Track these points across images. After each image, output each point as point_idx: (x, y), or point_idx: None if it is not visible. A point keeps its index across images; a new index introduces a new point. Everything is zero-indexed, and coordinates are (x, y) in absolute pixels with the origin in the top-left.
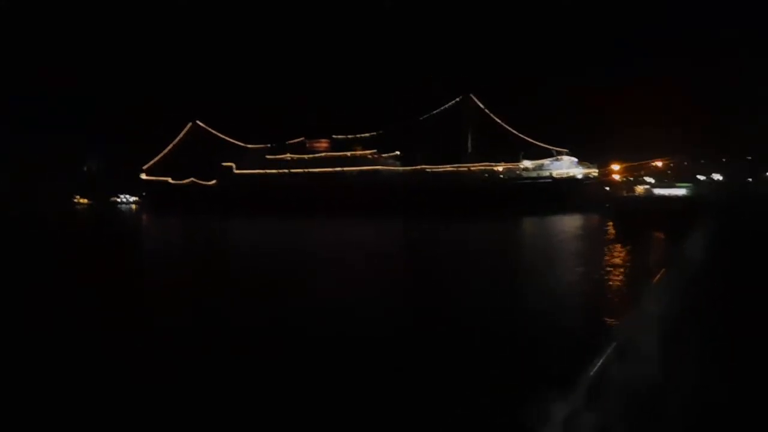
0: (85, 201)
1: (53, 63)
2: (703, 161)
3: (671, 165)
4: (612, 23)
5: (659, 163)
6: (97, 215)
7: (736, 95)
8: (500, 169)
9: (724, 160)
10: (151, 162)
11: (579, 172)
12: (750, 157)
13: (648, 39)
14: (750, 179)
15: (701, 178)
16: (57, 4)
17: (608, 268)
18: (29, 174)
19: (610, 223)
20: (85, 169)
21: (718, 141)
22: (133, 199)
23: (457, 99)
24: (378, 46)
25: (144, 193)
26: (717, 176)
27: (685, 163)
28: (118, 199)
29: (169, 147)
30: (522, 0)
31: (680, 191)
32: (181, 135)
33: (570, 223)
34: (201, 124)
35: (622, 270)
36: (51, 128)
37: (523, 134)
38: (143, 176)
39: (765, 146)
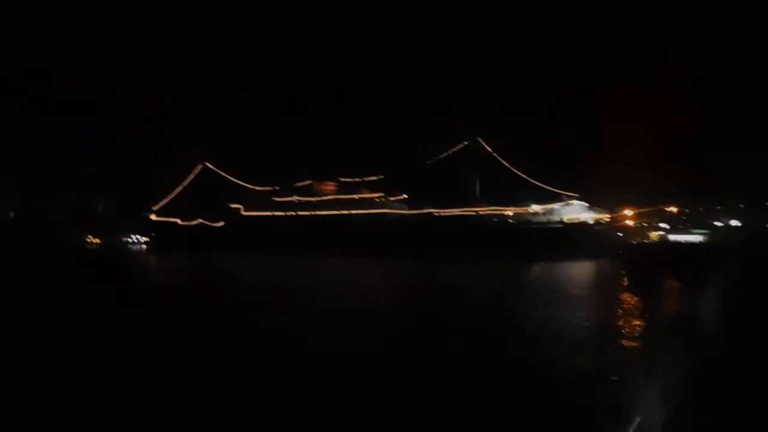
0: (97, 240)
1: (66, 104)
2: (719, 207)
3: (686, 211)
4: (600, 56)
5: (674, 209)
6: (107, 254)
7: (753, 140)
8: (510, 213)
9: (741, 206)
10: (161, 203)
11: (590, 217)
12: None
13: (640, 69)
14: None
15: (718, 224)
16: (65, 45)
17: (616, 327)
18: (41, 213)
19: (622, 272)
20: (99, 208)
21: (734, 187)
22: (143, 239)
23: (465, 143)
24: (385, 89)
25: (153, 234)
26: (734, 222)
27: (701, 209)
28: (129, 240)
29: (179, 188)
30: (527, 36)
31: (696, 238)
32: (190, 177)
33: (579, 271)
34: (210, 166)
35: (629, 330)
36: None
37: (532, 178)
38: (153, 217)
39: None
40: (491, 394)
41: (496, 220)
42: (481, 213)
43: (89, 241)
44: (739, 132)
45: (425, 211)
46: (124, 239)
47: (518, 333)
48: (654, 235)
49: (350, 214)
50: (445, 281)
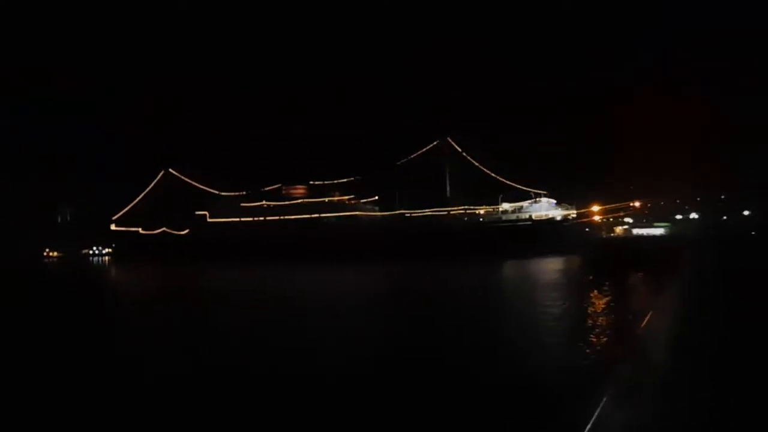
0: (55, 254)
1: (24, 110)
2: (678, 201)
3: (649, 205)
4: (600, 56)
5: (638, 204)
6: (66, 269)
7: (714, 134)
8: (481, 212)
9: (698, 199)
10: (122, 212)
11: (558, 213)
12: (723, 196)
13: (640, 68)
14: (725, 217)
15: (679, 217)
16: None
17: (589, 314)
18: None
19: (590, 265)
20: (58, 219)
21: (694, 180)
22: (106, 250)
23: (435, 142)
24: (353, 90)
25: (114, 245)
26: (694, 215)
27: (662, 203)
28: (90, 252)
29: (141, 196)
30: (497, 38)
31: (658, 231)
32: (152, 184)
33: (549, 266)
34: (174, 172)
35: (601, 316)
36: (19, 178)
37: (501, 177)
38: (113, 227)
39: (740, 184)
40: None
41: (466, 219)
42: (452, 212)
43: (47, 254)
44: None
45: (397, 212)
46: (85, 251)
47: (496, 340)
48: (619, 229)
49: (321, 217)
50: (419, 286)
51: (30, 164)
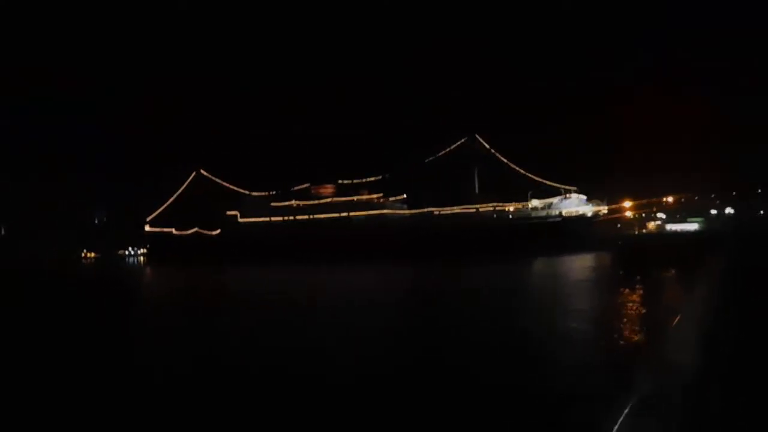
0: (92, 255)
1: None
2: (713, 195)
3: (683, 200)
4: (621, 59)
5: (671, 199)
6: (104, 270)
7: (748, 129)
8: (510, 209)
9: (734, 193)
10: (155, 213)
11: (588, 209)
12: (760, 190)
13: (658, 74)
14: (762, 212)
15: (713, 212)
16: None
17: (618, 318)
18: (36, 227)
19: (621, 263)
20: (96, 221)
21: (729, 175)
22: (141, 251)
23: (463, 140)
24: (382, 88)
25: (148, 246)
26: (729, 210)
27: (696, 198)
28: (126, 252)
29: (173, 197)
30: (526, 36)
31: (692, 226)
32: (184, 185)
33: (579, 264)
34: (204, 173)
35: (631, 320)
36: (55, 180)
37: (530, 173)
38: (147, 228)
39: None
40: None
41: (495, 216)
42: (481, 210)
43: (85, 255)
44: (735, 126)
45: (425, 210)
46: (121, 252)
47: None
48: (652, 225)
49: (349, 216)
50: (449, 288)
51: (64, 167)
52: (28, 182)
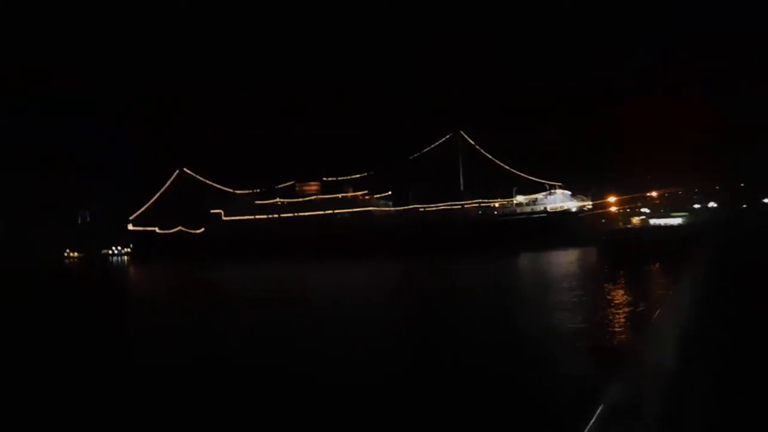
0: (76, 254)
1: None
2: (696, 190)
3: (666, 195)
4: (602, 54)
5: (654, 194)
6: (87, 269)
7: (731, 123)
8: (496, 205)
9: (717, 188)
10: (138, 212)
11: (573, 205)
12: (743, 184)
13: (640, 69)
14: (745, 206)
15: (696, 206)
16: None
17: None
18: (19, 226)
19: (605, 257)
20: (79, 221)
21: (712, 169)
22: (125, 250)
23: (448, 136)
24: (366, 85)
25: (131, 245)
26: (712, 204)
27: (680, 193)
28: (110, 252)
29: (156, 196)
30: (509, 31)
31: (676, 221)
32: (168, 183)
33: (564, 259)
34: (188, 171)
35: (615, 314)
36: (37, 179)
37: (515, 169)
38: (130, 227)
39: (761, 172)
40: None
41: (481, 212)
42: (466, 206)
43: (68, 255)
44: (718, 123)
45: (410, 207)
46: (105, 251)
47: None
48: (636, 220)
49: (334, 213)
50: (433, 285)
51: (47, 166)
52: (10, 181)
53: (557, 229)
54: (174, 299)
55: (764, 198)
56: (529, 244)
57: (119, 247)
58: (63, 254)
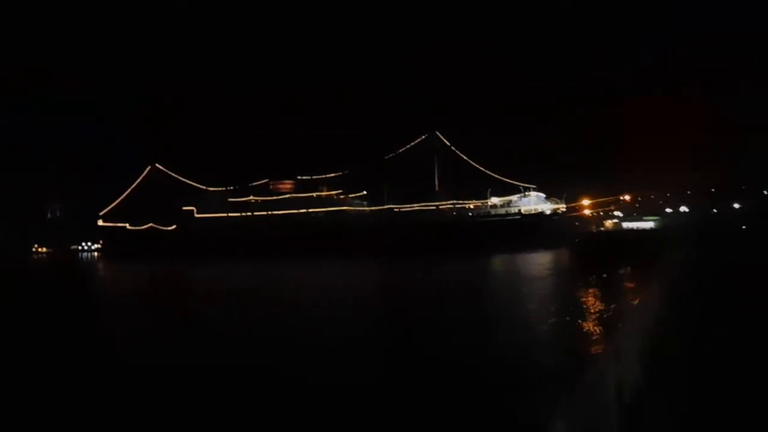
0: (44, 250)
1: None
2: (669, 194)
3: (639, 199)
4: (577, 60)
5: (627, 197)
6: (55, 267)
7: (705, 128)
8: (470, 206)
9: (688, 192)
10: (109, 207)
11: (547, 207)
12: (713, 189)
13: (615, 71)
14: (714, 210)
15: (669, 210)
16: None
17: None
18: None
19: (577, 260)
20: (48, 216)
21: (684, 175)
22: (95, 246)
23: (423, 136)
24: (342, 84)
25: (101, 241)
26: (684, 208)
27: (652, 197)
28: (79, 247)
29: (128, 191)
30: (486, 36)
31: (648, 224)
32: (139, 179)
33: (537, 261)
34: (160, 167)
35: (589, 310)
36: (5, 172)
37: (490, 171)
38: (100, 222)
39: (730, 177)
40: None
41: (455, 213)
42: (441, 207)
43: (36, 250)
44: (697, 126)
45: (385, 207)
46: (74, 247)
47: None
48: (609, 223)
49: (308, 212)
50: (405, 284)
51: (16, 159)
52: None
53: (531, 231)
54: (142, 298)
55: (734, 203)
56: (503, 246)
57: (89, 243)
58: (30, 250)
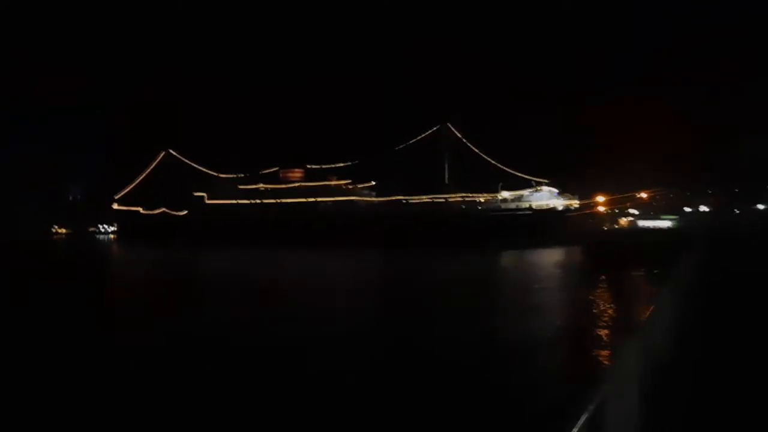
0: (63, 231)
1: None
2: (689, 193)
3: (657, 197)
4: (593, 52)
5: (644, 195)
6: (70, 246)
7: (726, 127)
8: (480, 200)
9: (710, 192)
10: (123, 192)
11: (560, 203)
12: (737, 189)
13: (634, 67)
14: (737, 210)
15: (687, 209)
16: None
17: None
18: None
19: (590, 259)
20: (70, 198)
21: (705, 172)
22: (111, 229)
23: (435, 128)
24: (353, 74)
25: (115, 224)
26: (703, 208)
27: (671, 195)
28: (97, 229)
29: (142, 176)
30: (501, 27)
31: (665, 223)
32: (153, 164)
33: (547, 259)
34: (174, 153)
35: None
36: (32, 153)
37: (502, 164)
38: (115, 206)
39: (754, 178)
40: None
41: (465, 206)
42: (450, 200)
43: (56, 231)
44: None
45: (394, 198)
46: (92, 229)
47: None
48: (624, 221)
49: (317, 201)
50: (411, 279)
51: (37, 144)
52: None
53: (542, 227)
54: (155, 282)
55: (758, 204)
56: (512, 241)
57: (105, 226)
58: (51, 230)
